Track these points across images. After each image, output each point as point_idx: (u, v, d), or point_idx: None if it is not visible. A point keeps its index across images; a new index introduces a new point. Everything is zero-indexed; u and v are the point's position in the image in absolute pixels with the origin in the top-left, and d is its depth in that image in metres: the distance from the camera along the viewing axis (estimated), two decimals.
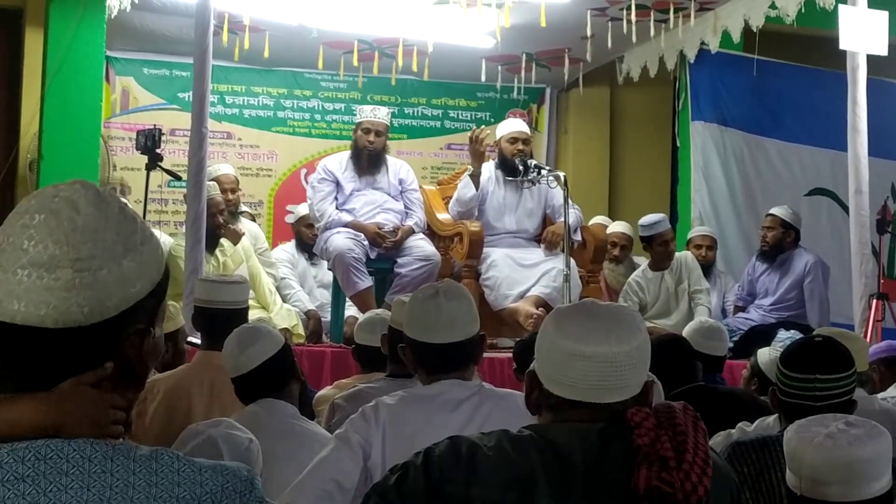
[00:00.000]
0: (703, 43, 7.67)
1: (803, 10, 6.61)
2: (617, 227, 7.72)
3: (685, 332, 5.04)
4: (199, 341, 4.14)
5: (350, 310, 6.48)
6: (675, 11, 7.07)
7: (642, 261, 7.47)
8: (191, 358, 4.04)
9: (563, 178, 6.01)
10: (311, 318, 6.76)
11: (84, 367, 1.26)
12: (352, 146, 6.68)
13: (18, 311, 1.22)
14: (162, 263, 1.33)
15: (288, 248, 7.38)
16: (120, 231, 1.27)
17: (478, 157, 6.55)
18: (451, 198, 6.68)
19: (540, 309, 6.07)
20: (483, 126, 7.39)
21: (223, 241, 6.39)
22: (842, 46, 5.77)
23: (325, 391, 4.26)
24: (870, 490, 2.16)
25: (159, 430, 3.60)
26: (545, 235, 6.56)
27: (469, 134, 6.75)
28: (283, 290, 6.87)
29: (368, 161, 6.53)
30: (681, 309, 6.99)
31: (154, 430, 3.64)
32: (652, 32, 7.21)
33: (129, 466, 1.22)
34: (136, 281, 1.27)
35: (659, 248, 7.13)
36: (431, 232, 6.70)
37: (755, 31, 7.20)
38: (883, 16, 5.79)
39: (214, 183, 6.43)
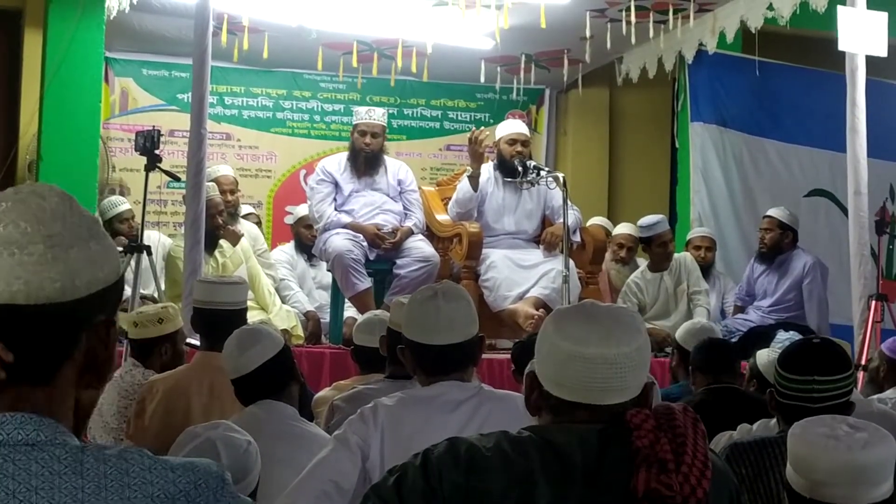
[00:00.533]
0: (701, 44, 7.67)
1: (798, 12, 6.61)
2: (623, 228, 7.70)
3: (678, 333, 5.03)
4: (198, 342, 4.14)
5: (349, 311, 6.48)
6: (674, 13, 7.08)
7: (643, 262, 7.47)
8: (190, 359, 4.04)
9: (562, 179, 6.00)
10: (310, 320, 6.75)
11: (55, 349, 1.25)
12: (349, 148, 6.67)
13: None
14: (118, 268, 1.33)
15: (287, 250, 7.38)
16: (83, 219, 1.28)
17: (477, 159, 6.55)
18: (450, 199, 6.68)
19: (539, 310, 6.08)
20: (482, 127, 7.37)
21: (222, 242, 6.39)
22: (841, 48, 5.77)
23: (324, 392, 4.25)
24: (873, 494, 2.14)
25: (158, 431, 3.61)
26: (544, 236, 6.56)
27: (468, 135, 6.74)
28: (282, 292, 6.86)
29: (365, 163, 6.53)
30: (680, 310, 6.98)
31: (152, 430, 3.65)
32: (651, 34, 7.21)
33: (100, 468, 1.21)
34: (102, 265, 1.28)
35: (658, 249, 7.12)
36: (430, 233, 6.70)
37: (754, 32, 7.20)
38: (882, 17, 5.78)
39: (213, 184, 6.42)
